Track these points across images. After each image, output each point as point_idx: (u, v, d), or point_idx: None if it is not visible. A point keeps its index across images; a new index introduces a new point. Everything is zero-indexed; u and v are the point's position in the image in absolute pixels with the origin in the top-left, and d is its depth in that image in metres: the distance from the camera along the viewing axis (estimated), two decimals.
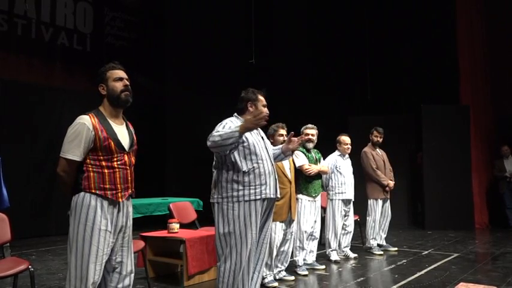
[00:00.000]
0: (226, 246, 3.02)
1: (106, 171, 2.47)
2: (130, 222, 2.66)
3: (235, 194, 3.01)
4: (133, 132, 2.68)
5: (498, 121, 8.97)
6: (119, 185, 2.50)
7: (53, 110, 7.61)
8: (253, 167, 3.02)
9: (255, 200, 3.01)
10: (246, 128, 2.87)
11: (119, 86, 2.56)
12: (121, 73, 2.61)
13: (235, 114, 3.27)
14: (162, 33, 10.10)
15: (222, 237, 3.04)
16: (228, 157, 3.03)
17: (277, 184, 3.19)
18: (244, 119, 3.15)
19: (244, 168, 3.01)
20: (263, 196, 3.04)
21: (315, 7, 10.16)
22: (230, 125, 3.06)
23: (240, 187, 3.01)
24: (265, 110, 3.21)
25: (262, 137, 3.25)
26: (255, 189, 3.02)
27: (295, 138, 3.35)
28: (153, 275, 4.53)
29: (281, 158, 3.43)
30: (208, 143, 2.94)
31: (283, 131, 4.30)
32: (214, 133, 2.93)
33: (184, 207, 5.25)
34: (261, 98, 3.27)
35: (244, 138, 3.04)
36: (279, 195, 3.23)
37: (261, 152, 3.10)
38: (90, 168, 2.46)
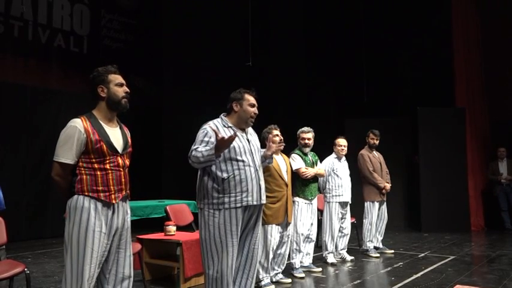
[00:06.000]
0: (208, 253, 2.97)
1: (98, 173, 2.48)
2: (127, 225, 2.65)
3: (215, 201, 2.95)
4: (128, 135, 2.69)
5: (494, 123, 9.01)
6: (112, 187, 2.51)
7: (49, 112, 7.56)
8: (234, 173, 2.94)
9: (235, 208, 2.95)
10: (219, 151, 2.84)
11: (121, 91, 2.59)
12: (121, 78, 2.63)
13: (222, 114, 3.20)
14: (159, 36, 10.08)
15: (204, 243, 2.99)
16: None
17: (263, 190, 3.09)
18: (228, 120, 3.13)
19: (224, 176, 2.93)
20: (244, 204, 2.96)
21: (311, 9, 10.20)
22: (210, 133, 2.98)
23: (220, 195, 2.94)
24: (253, 110, 3.12)
25: (248, 140, 3.13)
26: (235, 196, 2.94)
27: (273, 144, 3.29)
28: (149, 277, 4.51)
29: (265, 164, 3.36)
30: (190, 161, 2.96)
31: (276, 131, 4.21)
32: (195, 153, 2.91)
33: (181, 209, 5.24)
34: (248, 97, 3.14)
35: None
36: (264, 201, 3.11)
37: (245, 156, 3.01)
38: (83, 171, 2.47)
